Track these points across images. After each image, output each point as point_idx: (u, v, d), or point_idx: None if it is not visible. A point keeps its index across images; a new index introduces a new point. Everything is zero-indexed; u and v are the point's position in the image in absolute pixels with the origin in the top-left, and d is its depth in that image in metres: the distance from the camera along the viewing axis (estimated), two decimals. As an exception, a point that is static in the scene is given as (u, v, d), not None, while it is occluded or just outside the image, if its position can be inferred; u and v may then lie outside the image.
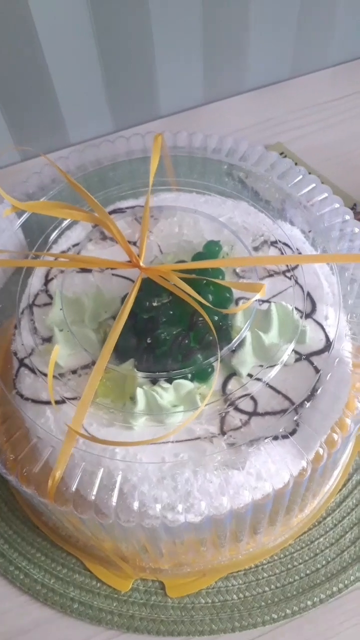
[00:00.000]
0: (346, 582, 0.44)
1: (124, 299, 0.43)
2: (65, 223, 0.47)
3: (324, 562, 0.45)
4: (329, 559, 0.45)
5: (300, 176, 0.46)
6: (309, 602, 0.44)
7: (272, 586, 0.45)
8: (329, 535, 0.46)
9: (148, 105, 0.69)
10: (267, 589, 0.45)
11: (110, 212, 0.49)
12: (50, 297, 0.45)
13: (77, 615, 0.45)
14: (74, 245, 0.47)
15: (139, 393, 0.39)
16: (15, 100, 0.64)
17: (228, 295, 0.43)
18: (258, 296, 0.38)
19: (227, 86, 0.70)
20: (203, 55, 0.66)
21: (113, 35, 0.61)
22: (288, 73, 0.72)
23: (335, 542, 0.46)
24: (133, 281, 0.44)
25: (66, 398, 0.40)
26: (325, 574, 0.45)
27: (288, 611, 0.44)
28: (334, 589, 0.44)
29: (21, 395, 0.42)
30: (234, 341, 0.40)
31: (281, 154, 0.65)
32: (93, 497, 0.35)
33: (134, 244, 0.47)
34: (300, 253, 0.46)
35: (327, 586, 0.44)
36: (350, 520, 0.46)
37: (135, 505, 0.35)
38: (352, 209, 0.62)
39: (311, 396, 0.39)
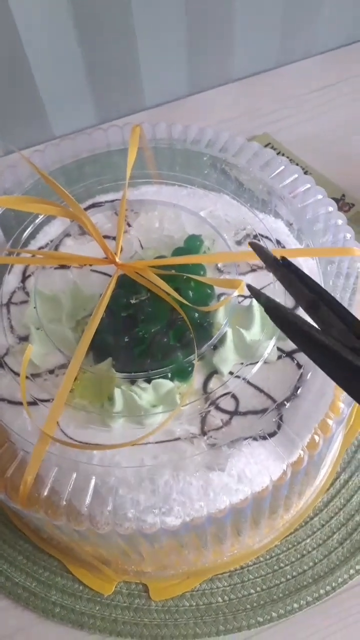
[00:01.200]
0: (333, 584, 0.43)
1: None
2: (42, 218, 0.45)
3: (311, 563, 0.44)
4: (316, 561, 0.44)
5: (283, 166, 0.44)
6: (295, 605, 0.43)
7: (258, 588, 0.44)
8: (316, 536, 0.45)
9: (132, 96, 0.68)
10: (252, 591, 0.44)
11: (90, 206, 0.48)
12: (28, 294, 0.44)
13: (59, 620, 0.44)
14: (52, 241, 0.46)
15: (117, 393, 0.38)
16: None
17: (209, 291, 0.42)
18: (236, 293, 0.37)
19: (212, 76, 0.69)
20: (187, 45, 0.64)
21: (94, 25, 0.60)
22: (275, 62, 0.70)
23: (323, 543, 0.45)
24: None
25: (42, 400, 0.38)
26: (312, 576, 0.44)
27: (274, 614, 0.43)
28: (321, 591, 0.43)
29: (-3, 396, 0.41)
30: (213, 338, 0.39)
31: (268, 144, 0.64)
32: (64, 503, 0.34)
33: (114, 238, 0.46)
34: (283, 247, 0.44)
35: (314, 589, 0.43)
36: (337, 520, 0.45)
37: (110, 508, 0.34)
38: (340, 199, 0.61)
39: (293, 394, 0.38)
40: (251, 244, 0.33)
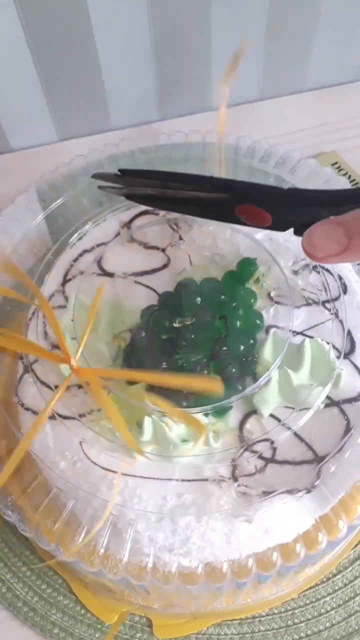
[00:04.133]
0: (350, 651, 0.40)
1: (145, 310, 0.39)
2: (91, 225, 0.43)
3: (327, 624, 0.41)
4: (334, 622, 0.41)
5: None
6: (306, 668, 0.40)
7: (268, 642, 0.41)
8: (337, 595, 0.42)
9: (199, 95, 0.64)
10: (262, 644, 0.41)
11: (142, 213, 0.45)
12: (67, 299, 0.42)
13: (56, 641, 0.42)
14: (98, 245, 0.44)
15: (147, 422, 0.35)
16: (59, 78, 0.60)
17: (258, 322, 0.39)
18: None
19: (286, 83, 0.65)
20: (264, 49, 0.61)
21: (168, 18, 0.56)
22: (356, 74, 0.66)
23: (343, 604, 0.42)
24: (157, 293, 0.41)
25: (62, 416, 0.36)
26: (328, 638, 0.41)
27: (282, 674, 0.40)
28: (336, 657, 0.40)
29: (22, 404, 0.39)
30: (260, 380, 0.36)
31: (334, 164, 0.60)
32: (80, 539, 0.32)
33: (163, 250, 0.43)
34: (344, 283, 0.41)
35: (328, 653, 0.40)
36: (362, 581, 0.42)
37: (127, 556, 0.32)
38: None
39: (337, 450, 0.35)
40: (95, 175, 0.38)
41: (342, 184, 0.41)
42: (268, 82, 0.64)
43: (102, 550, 0.32)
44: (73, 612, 0.43)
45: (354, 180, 0.60)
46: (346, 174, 0.60)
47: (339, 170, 0.60)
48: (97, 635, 0.42)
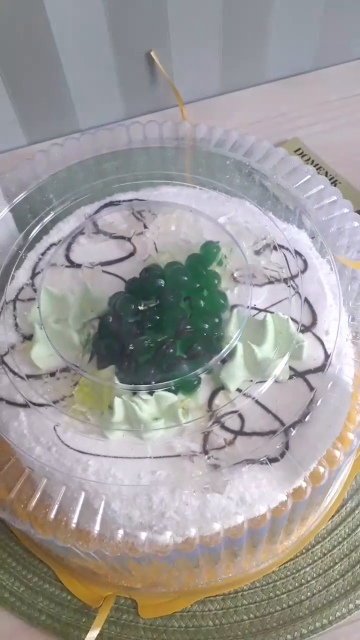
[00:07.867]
0: (331, 618, 0.41)
1: (112, 297, 0.40)
2: (53, 215, 0.44)
3: (308, 594, 0.42)
4: (315, 591, 0.42)
5: (309, 176, 0.42)
6: (288, 637, 0.41)
7: (251, 615, 0.42)
8: (317, 565, 0.43)
9: (162, 93, 0.66)
10: (245, 617, 0.42)
11: (107, 204, 0.46)
12: (36, 291, 0.43)
13: (44, 629, 0.43)
14: (65, 238, 0.44)
15: (117, 403, 0.36)
16: (23, 83, 0.61)
17: (222, 301, 0.40)
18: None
19: (245, 77, 0.66)
20: (222, 43, 0.62)
21: (125, 17, 0.58)
22: (312, 64, 0.67)
23: (323, 573, 0.43)
24: (124, 280, 0.42)
25: (36, 403, 0.37)
26: (309, 607, 0.42)
27: (266, 644, 0.41)
28: (317, 624, 0.41)
29: (-4, 394, 0.39)
30: (222, 352, 0.37)
31: (297, 150, 0.61)
32: (52, 517, 0.32)
33: (129, 239, 0.44)
34: (304, 259, 0.42)
35: (309, 621, 0.41)
36: (340, 550, 0.43)
37: (99, 526, 0.32)
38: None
39: (302, 419, 0.36)
40: None
41: (296, 162, 0.43)
42: (227, 76, 0.66)
43: (73, 526, 0.32)
44: (59, 599, 0.43)
45: (317, 165, 0.61)
46: (309, 159, 0.61)
47: (303, 156, 0.62)
48: (83, 620, 0.43)
